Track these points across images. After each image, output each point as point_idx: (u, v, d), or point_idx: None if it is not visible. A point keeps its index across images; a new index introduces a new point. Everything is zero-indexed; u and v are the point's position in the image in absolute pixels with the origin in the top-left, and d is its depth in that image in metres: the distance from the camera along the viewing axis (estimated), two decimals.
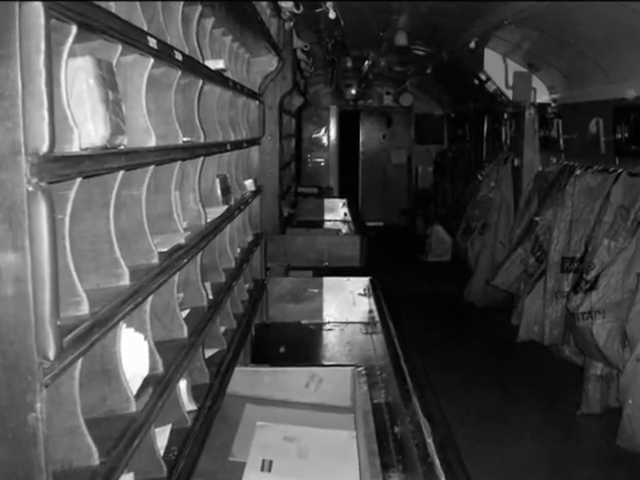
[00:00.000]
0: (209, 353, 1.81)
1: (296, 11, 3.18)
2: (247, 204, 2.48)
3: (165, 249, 1.32)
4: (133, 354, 1.21)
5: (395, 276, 6.08)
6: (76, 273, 0.96)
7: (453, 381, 4.01)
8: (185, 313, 1.58)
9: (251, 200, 2.58)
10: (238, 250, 2.35)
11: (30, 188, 0.78)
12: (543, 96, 5.07)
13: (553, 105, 4.92)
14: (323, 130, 9.93)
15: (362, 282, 2.94)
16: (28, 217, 0.78)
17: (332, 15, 3.79)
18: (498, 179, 5.78)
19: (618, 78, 3.74)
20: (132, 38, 1.14)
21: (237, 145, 2.28)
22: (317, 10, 3.77)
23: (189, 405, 1.49)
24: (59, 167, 0.86)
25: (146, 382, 1.23)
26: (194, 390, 1.55)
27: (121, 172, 1.11)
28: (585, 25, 3.64)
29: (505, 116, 5.81)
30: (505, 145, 5.91)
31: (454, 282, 6.29)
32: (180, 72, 1.46)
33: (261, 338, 2.74)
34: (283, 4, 3.04)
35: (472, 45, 4.48)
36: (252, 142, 2.73)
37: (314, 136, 9.90)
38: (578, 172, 4.15)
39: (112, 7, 1.13)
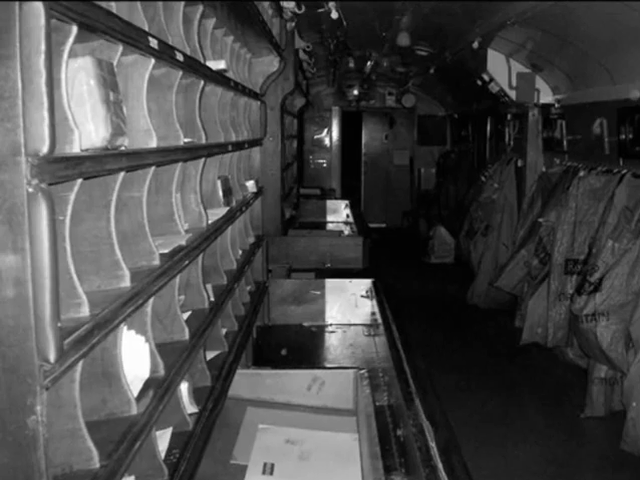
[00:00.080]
0: (210, 355, 1.80)
1: (298, 11, 3.18)
2: (249, 205, 2.48)
3: (166, 251, 1.32)
4: (134, 356, 1.21)
5: (398, 278, 6.09)
6: (77, 275, 0.96)
7: (456, 383, 4.00)
8: (186, 315, 1.57)
9: (253, 201, 2.58)
10: (240, 252, 2.34)
11: (30, 189, 0.77)
12: (547, 97, 5.05)
13: (557, 106, 4.90)
14: (325, 131, 9.92)
15: (364, 284, 2.93)
16: (28, 219, 0.78)
17: (334, 15, 3.79)
18: (501, 180, 5.76)
19: (622, 79, 3.72)
20: (133, 38, 1.13)
21: (239, 146, 2.27)
22: (319, 10, 3.77)
23: (190, 408, 1.48)
24: (59, 168, 0.85)
25: (147, 385, 1.22)
26: (195, 393, 1.54)
27: (122, 173, 1.11)
28: (589, 25, 3.62)
29: (508, 117, 5.80)
30: (508, 146, 5.90)
31: (457, 284, 6.28)
32: (181, 73, 1.46)
33: (263, 340, 2.73)
34: (285, 4, 3.04)
35: (475, 45, 4.47)
36: (254, 143, 2.73)
37: (316, 137, 9.90)
38: (582, 173, 4.13)
39: (113, 7, 1.12)
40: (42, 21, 0.78)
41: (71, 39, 0.92)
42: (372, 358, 2.39)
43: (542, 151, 5.30)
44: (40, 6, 0.78)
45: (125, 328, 1.17)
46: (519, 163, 5.52)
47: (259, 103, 2.89)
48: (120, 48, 1.13)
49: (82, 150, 0.94)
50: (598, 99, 4.06)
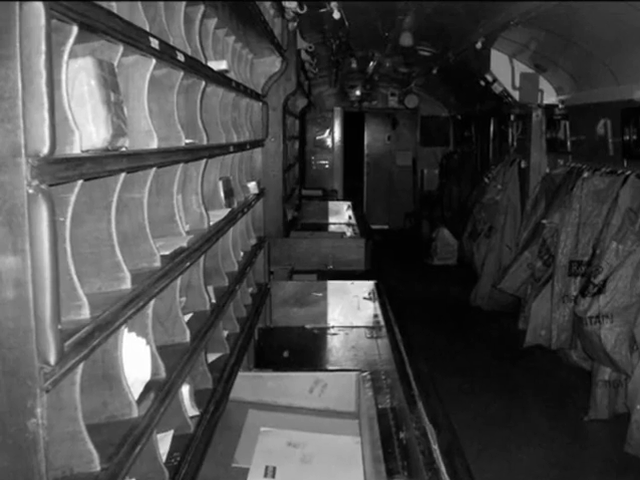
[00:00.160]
0: (212, 358, 1.80)
1: (300, 11, 3.18)
2: (250, 207, 2.47)
3: (167, 252, 1.31)
4: (135, 359, 1.20)
5: (400, 280, 6.07)
6: (77, 277, 0.95)
7: (459, 386, 3.98)
8: (188, 317, 1.57)
9: (254, 203, 2.57)
10: (241, 253, 2.34)
11: (30, 191, 0.77)
12: (550, 97, 5.04)
13: (560, 106, 4.89)
14: (327, 132, 9.92)
15: (367, 286, 2.92)
16: (28, 220, 0.77)
17: (337, 15, 3.79)
18: (505, 181, 5.74)
19: (626, 79, 3.71)
20: (134, 39, 1.13)
21: (240, 147, 2.27)
22: (321, 10, 3.76)
23: (192, 410, 1.47)
24: (60, 169, 0.85)
25: (148, 387, 1.22)
26: (197, 395, 1.54)
27: (123, 174, 1.10)
28: (593, 25, 3.61)
29: (512, 118, 5.78)
30: (512, 147, 5.88)
31: (460, 286, 6.26)
32: (182, 73, 1.45)
33: (264, 342, 2.73)
34: (287, 4, 3.03)
35: (478, 46, 4.46)
36: (255, 144, 2.72)
37: (318, 138, 9.90)
38: (586, 174, 4.11)
39: (113, 7, 1.12)
40: (42, 21, 0.77)
41: (71, 39, 0.92)
42: (374, 360, 2.38)
43: (546, 152, 5.28)
44: (40, 6, 0.77)
45: (126, 330, 1.17)
46: (522, 164, 5.50)
47: (261, 104, 2.89)
48: (121, 48, 1.12)
49: (83, 151, 0.93)
50: (602, 100, 4.04)
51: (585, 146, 4.47)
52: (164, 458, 1.29)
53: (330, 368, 2.45)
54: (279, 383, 2.20)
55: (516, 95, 5.18)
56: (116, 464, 0.98)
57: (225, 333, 1.96)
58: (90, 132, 0.98)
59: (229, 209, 2.00)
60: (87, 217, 1.08)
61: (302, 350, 2.65)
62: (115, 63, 1.11)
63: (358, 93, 9.22)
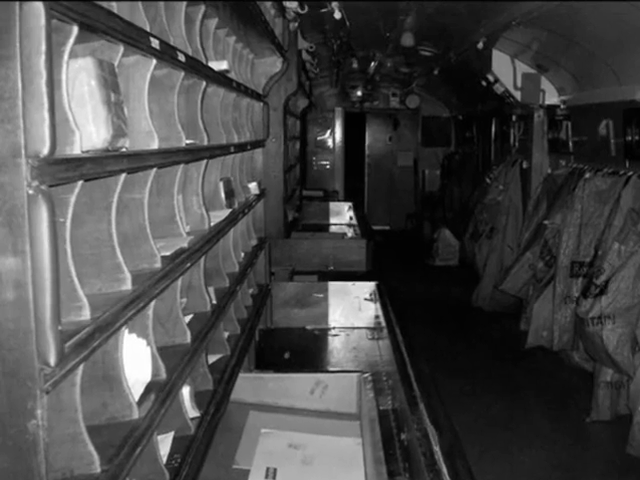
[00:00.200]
0: (212, 359, 1.79)
1: (301, 11, 3.17)
2: (251, 207, 2.47)
3: (168, 253, 1.31)
4: (135, 360, 1.20)
5: (402, 281, 6.07)
6: (77, 278, 0.95)
7: (460, 387, 3.97)
8: (188, 318, 1.57)
9: (255, 203, 2.57)
10: (242, 254, 2.33)
11: (31, 191, 0.77)
12: (552, 98, 5.03)
13: (562, 107, 4.87)
14: (328, 132, 9.91)
15: (368, 287, 2.91)
16: (28, 221, 0.77)
17: (338, 15, 3.79)
18: (506, 182, 5.73)
19: (628, 79, 3.70)
20: (134, 39, 1.13)
21: (241, 147, 2.26)
22: (322, 10, 3.76)
23: (192, 412, 1.47)
24: (60, 170, 0.85)
25: (148, 388, 1.21)
26: (197, 396, 1.53)
27: (123, 175, 1.10)
28: (595, 26, 3.60)
29: (513, 118, 5.77)
30: (513, 147, 5.87)
31: (462, 287, 6.25)
32: (183, 73, 1.45)
33: (265, 344, 2.72)
34: (288, 4, 3.03)
35: (480, 46, 4.45)
36: (256, 144, 2.72)
37: (319, 138, 9.89)
38: (588, 175, 4.10)
39: (114, 7, 1.12)
40: (42, 21, 0.77)
41: (72, 39, 0.92)
42: (376, 361, 2.37)
43: (547, 152, 5.27)
44: (40, 6, 0.77)
45: (126, 331, 1.16)
46: (524, 165, 5.49)
47: (262, 104, 2.88)
48: (121, 49, 1.12)
49: (83, 151, 0.93)
50: (604, 100, 4.03)
51: (587, 147, 4.46)
52: (165, 460, 1.29)
53: (331, 369, 2.44)
54: (280, 384, 2.19)
55: (518, 95, 5.17)
56: (116, 466, 0.98)
57: (226, 334, 1.95)
58: (90, 132, 0.97)
59: (230, 210, 2.00)
60: (87, 218, 1.08)
61: (303, 351, 2.65)
62: (115, 63, 1.11)
63: (359, 93, 9.21)
